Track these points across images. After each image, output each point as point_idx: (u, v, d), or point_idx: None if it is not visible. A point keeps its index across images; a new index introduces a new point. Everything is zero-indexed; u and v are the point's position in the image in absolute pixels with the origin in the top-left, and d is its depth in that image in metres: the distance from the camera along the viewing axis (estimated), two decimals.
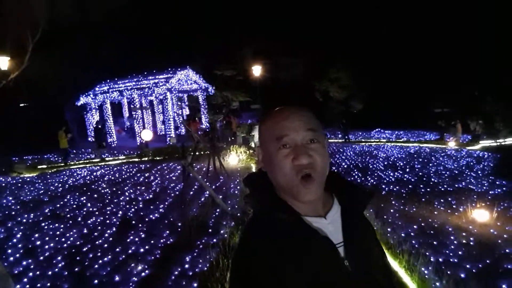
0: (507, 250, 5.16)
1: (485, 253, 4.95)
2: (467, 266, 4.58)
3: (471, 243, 5.45)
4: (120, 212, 7.18)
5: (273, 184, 1.06)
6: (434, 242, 5.35)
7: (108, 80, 26.03)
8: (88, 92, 25.53)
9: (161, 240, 5.48)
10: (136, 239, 5.65)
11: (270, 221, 1.00)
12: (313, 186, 0.99)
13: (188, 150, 13.33)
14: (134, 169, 12.76)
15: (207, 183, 9.58)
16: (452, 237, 5.61)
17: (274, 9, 30.63)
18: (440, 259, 4.76)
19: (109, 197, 8.72)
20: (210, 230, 5.67)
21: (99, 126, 18.30)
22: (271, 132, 1.04)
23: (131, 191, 9.12)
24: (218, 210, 6.60)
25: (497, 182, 11.51)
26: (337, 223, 1.05)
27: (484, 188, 10.61)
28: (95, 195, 9.08)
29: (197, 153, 14.35)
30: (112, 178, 11.33)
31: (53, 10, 16.18)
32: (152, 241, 5.45)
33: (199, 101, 24.58)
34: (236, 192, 8.56)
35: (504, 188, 10.46)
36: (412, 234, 5.74)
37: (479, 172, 13.90)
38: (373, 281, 1.02)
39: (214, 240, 5.25)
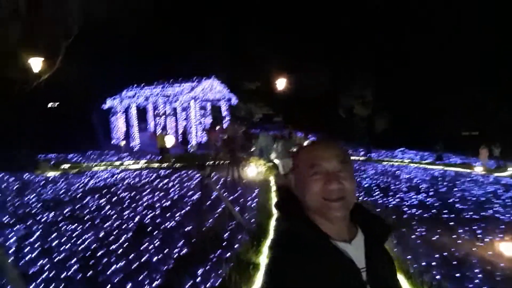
0: None
1: None
2: None
3: (497, 278, 5.15)
4: (137, 218, 7.20)
5: (303, 207, 1.16)
6: (457, 275, 5.08)
7: (135, 85, 26.67)
8: (115, 96, 26.20)
9: (175, 250, 5.44)
10: (151, 246, 5.63)
11: (300, 241, 1.08)
12: (341, 205, 1.11)
13: (208, 158, 13.40)
14: (154, 175, 12.89)
15: (225, 194, 9.56)
16: (476, 270, 5.32)
17: (301, 22, 30.76)
18: None
19: (127, 202, 8.79)
20: (224, 244, 5.59)
21: (186, 133, 18.55)
22: (306, 160, 1.17)
23: (150, 196, 9.17)
24: (234, 223, 6.51)
25: None
26: (361, 250, 1.14)
27: None
28: (114, 199, 9.17)
29: (216, 163, 14.41)
30: (132, 182, 11.47)
31: (87, 14, 16.70)
32: (166, 250, 5.41)
33: (221, 111, 24.80)
34: (253, 205, 8.47)
35: None
36: (433, 263, 5.48)
37: (506, 201, 13.32)
38: None
39: (228, 254, 5.16)
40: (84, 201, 8.93)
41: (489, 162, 21.89)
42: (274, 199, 9.01)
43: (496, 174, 19.49)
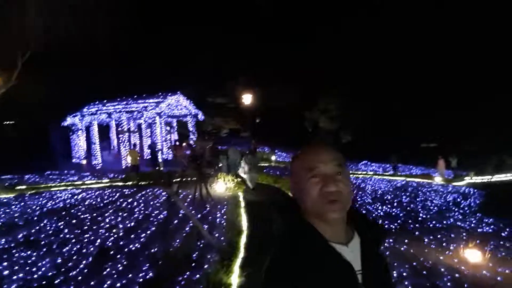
0: None
1: None
2: None
3: (465, 285, 5.25)
4: (99, 240, 6.77)
5: (301, 209, 1.20)
6: (427, 284, 5.13)
7: (97, 102, 25.78)
8: (75, 113, 25.19)
9: (140, 275, 5.11)
10: (113, 271, 5.27)
11: (298, 243, 1.12)
12: (338, 207, 1.14)
13: (175, 176, 13.02)
14: (117, 194, 12.32)
15: (193, 212, 9.27)
16: (445, 279, 5.40)
17: (267, 39, 31.23)
18: None
19: (88, 223, 8.29)
20: (193, 265, 5.33)
21: (155, 149, 17.85)
22: (304, 164, 1.20)
23: (112, 217, 8.69)
24: (203, 242, 6.26)
25: (484, 220, 11.47)
26: (357, 252, 1.17)
27: (472, 225, 10.53)
28: (74, 221, 8.63)
29: (183, 180, 14.05)
30: (94, 202, 10.88)
31: (44, 30, 16.07)
32: (129, 275, 5.08)
33: (188, 127, 24.41)
34: (222, 222, 8.25)
35: (492, 226, 10.40)
36: (405, 274, 5.51)
37: (466, 208, 13.90)
38: None
39: (197, 276, 4.92)
40: (41, 224, 8.32)
41: (446, 172, 22.93)
42: (243, 215, 8.83)
43: (454, 184, 20.41)
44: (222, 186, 13.04)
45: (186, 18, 30.33)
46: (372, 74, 30.15)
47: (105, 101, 25.46)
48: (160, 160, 20.33)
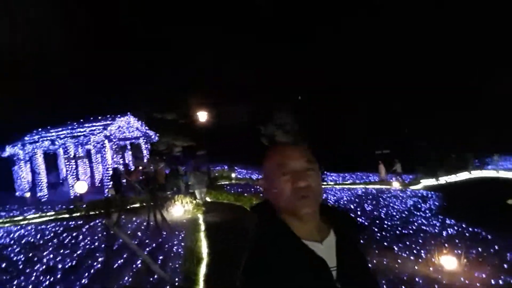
0: None
1: None
2: None
3: None
4: (30, 287, 5.68)
5: (276, 209, 1.22)
6: None
7: (39, 129, 23.84)
8: (15, 142, 23.11)
9: None
10: None
11: (271, 242, 1.14)
12: (310, 202, 1.17)
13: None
14: (61, 228, 11.00)
15: (146, 241, 8.33)
16: None
17: (217, 53, 30.95)
18: None
19: (21, 266, 7.09)
20: None
21: (117, 173, 16.28)
22: (274, 163, 1.23)
23: (51, 256, 7.53)
24: (155, 278, 5.39)
25: (447, 221, 11.50)
26: (332, 249, 1.18)
27: (437, 228, 10.47)
28: (4, 264, 7.37)
29: (137, 205, 12.98)
30: (32, 240, 9.55)
31: None
32: None
33: (141, 150, 23.11)
34: (180, 250, 7.40)
35: (455, 227, 10.39)
36: None
37: (427, 212, 13.99)
38: None
39: None
40: None
41: (388, 176, 23.61)
42: (203, 240, 8.05)
43: (412, 188, 20.83)
44: (180, 209, 12.14)
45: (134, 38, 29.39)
46: (322, 85, 30.79)
47: (48, 127, 23.60)
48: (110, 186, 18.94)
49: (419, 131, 25.70)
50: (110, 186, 18.16)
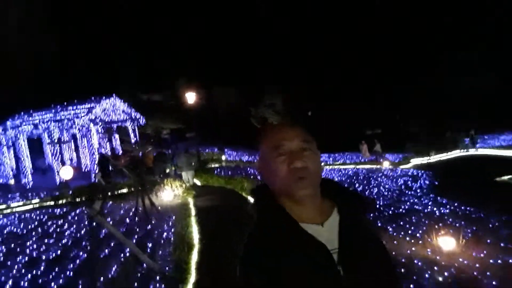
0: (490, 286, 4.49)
1: None
2: None
3: (449, 279, 4.71)
4: (10, 282, 5.35)
5: (273, 192, 1.17)
6: (411, 286, 4.50)
7: (22, 113, 22.96)
8: None
9: None
10: None
11: (269, 227, 1.11)
12: (307, 183, 1.11)
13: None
14: (46, 216, 10.61)
15: (135, 228, 8.05)
16: (426, 275, 4.83)
17: (206, 35, 30.16)
18: None
19: (1, 258, 6.74)
20: None
21: (104, 158, 15.79)
22: (270, 144, 1.18)
23: (34, 246, 7.18)
24: (144, 268, 5.10)
25: (438, 200, 11.48)
26: (335, 231, 1.12)
27: (429, 207, 10.42)
28: None
29: (125, 191, 12.64)
30: (14, 229, 9.16)
31: None
32: None
33: (129, 133, 22.52)
34: (170, 237, 7.14)
35: (448, 206, 10.35)
36: None
37: (418, 191, 13.97)
38: (365, 286, 1.06)
39: None
40: None
41: (370, 156, 23.73)
42: (194, 225, 7.79)
43: (402, 167, 20.88)
44: (169, 193, 11.85)
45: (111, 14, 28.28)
46: (314, 64, 30.34)
47: (31, 111, 22.74)
48: (97, 171, 18.50)
49: (412, 109, 25.63)
50: (97, 171, 17.74)
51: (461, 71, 26.36)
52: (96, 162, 18.40)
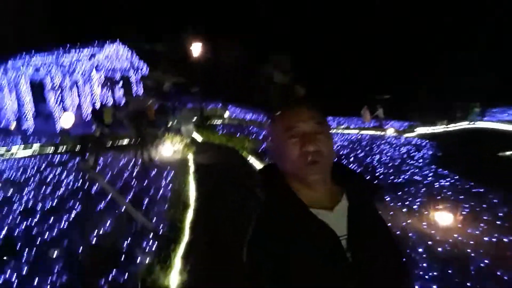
0: (481, 264, 4.47)
1: (465, 275, 4.17)
2: None
3: (442, 256, 4.69)
4: (5, 229, 5.38)
5: (282, 173, 1.15)
6: (403, 259, 4.47)
7: (23, 54, 22.40)
8: None
9: (50, 278, 3.92)
10: (14, 276, 4.03)
11: (277, 211, 1.09)
12: (318, 168, 1.10)
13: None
14: (45, 163, 10.61)
15: (133, 182, 8.04)
16: (420, 250, 4.81)
17: None
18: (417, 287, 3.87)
19: None
20: (123, 258, 4.22)
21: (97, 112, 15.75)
22: (282, 124, 1.15)
23: (31, 195, 7.19)
24: (138, 226, 5.06)
25: (439, 172, 11.39)
26: (343, 217, 1.11)
27: (429, 179, 10.35)
28: None
29: (125, 143, 12.58)
30: (13, 175, 9.19)
31: None
32: (36, 279, 3.88)
33: (131, 83, 22.15)
34: (167, 193, 7.12)
35: (448, 179, 10.27)
36: None
37: (420, 161, 13.88)
38: (373, 273, 1.06)
39: (126, 275, 3.83)
40: None
41: (372, 121, 23.33)
42: (191, 183, 7.76)
43: (406, 135, 20.65)
44: (169, 148, 11.78)
45: None
46: (325, 27, 29.21)
47: (32, 51, 22.16)
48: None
49: (422, 78, 24.91)
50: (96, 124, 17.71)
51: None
52: (90, 113, 18.31)
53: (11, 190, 7.57)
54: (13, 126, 21.22)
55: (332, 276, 1.02)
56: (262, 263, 1.02)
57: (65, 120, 15.91)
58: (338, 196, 1.15)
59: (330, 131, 1.18)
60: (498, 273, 4.20)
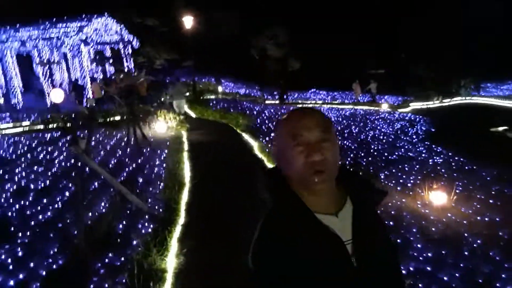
0: (474, 245, 4.53)
1: (458, 256, 4.22)
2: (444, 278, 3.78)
3: (435, 236, 4.74)
4: None
5: (286, 178, 1.14)
6: (398, 240, 4.52)
7: (8, 27, 21.57)
8: None
9: (45, 261, 3.89)
10: (9, 259, 3.99)
11: (282, 216, 1.08)
12: (324, 177, 1.08)
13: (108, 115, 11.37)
14: (36, 141, 10.42)
15: (127, 160, 7.95)
16: (414, 230, 4.85)
17: None
18: (411, 268, 3.90)
19: None
20: (118, 240, 4.19)
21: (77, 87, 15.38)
22: (287, 131, 1.14)
23: (23, 174, 7.08)
24: (132, 208, 5.01)
25: (433, 148, 11.44)
26: (348, 221, 1.11)
27: (423, 155, 10.40)
28: None
29: (117, 119, 12.38)
30: (3, 154, 9.02)
31: None
32: (31, 264, 3.85)
33: (122, 57, 21.53)
34: (161, 172, 7.06)
35: (442, 156, 10.33)
36: None
37: (413, 137, 13.91)
38: (378, 278, 1.07)
39: (123, 258, 3.82)
40: None
41: (362, 96, 23.37)
42: (186, 161, 7.70)
43: (400, 110, 20.65)
44: (162, 125, 11.63)
45: None
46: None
47: (17, 25, 21.36)
48: (90, 97, 18.03)
49: (417, 53, 24.58)
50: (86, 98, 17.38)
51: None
52: (71, 89, 17.93)
53: (2, 169, 7.41)
54: (1, 101, 20.72)
55: (338, 281, 1.03)
56: (268, 269, 1.03)
57: (55, 96, 15.56)
58: (342, 200, 1.15)
59: (336, 137, 1.16)
60: (491, 254, 4.25)
